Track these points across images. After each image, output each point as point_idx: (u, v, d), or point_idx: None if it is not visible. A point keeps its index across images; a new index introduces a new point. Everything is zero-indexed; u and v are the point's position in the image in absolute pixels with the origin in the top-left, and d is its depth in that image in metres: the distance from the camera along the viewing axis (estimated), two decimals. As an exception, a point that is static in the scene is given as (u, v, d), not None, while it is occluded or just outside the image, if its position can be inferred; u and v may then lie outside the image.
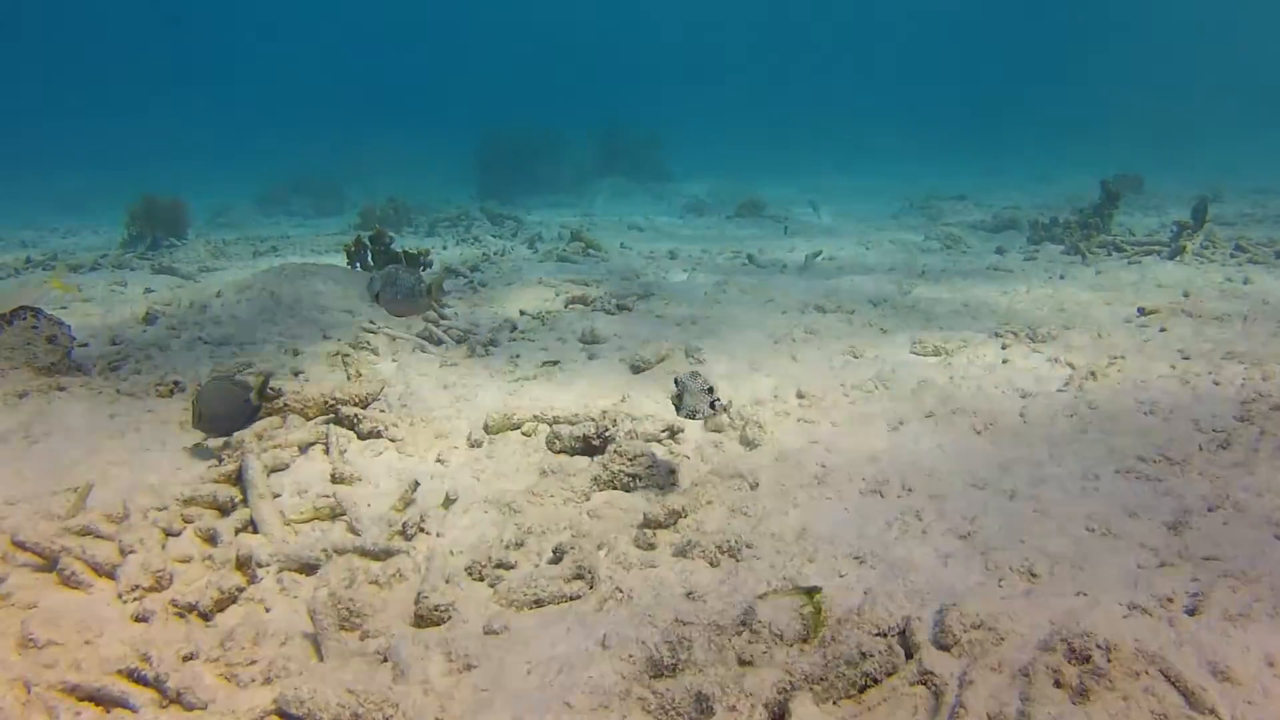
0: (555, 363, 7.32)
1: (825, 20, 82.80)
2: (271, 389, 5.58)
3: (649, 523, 4.39)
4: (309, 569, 4.07)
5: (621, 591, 3.84)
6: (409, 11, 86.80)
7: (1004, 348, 8.00)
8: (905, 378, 7.03)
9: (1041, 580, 3.97)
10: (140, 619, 3.69)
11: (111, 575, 3.95)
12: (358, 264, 10.49)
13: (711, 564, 4.04)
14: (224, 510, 4.57)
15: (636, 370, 7.21)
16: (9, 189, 28.97)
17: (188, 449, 5.41)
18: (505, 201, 23.60)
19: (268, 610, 3.83)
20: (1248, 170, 26.19)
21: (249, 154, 39.40)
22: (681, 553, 4.15)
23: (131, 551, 4.01)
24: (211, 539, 4.35)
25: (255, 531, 4.47)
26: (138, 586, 3.85)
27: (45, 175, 32.52)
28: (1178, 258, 12.87)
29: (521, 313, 9.33)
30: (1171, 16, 68.59)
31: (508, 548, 4.23)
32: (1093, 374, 6.99)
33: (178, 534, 4.35)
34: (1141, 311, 9.28)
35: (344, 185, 27.21)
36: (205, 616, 3.73)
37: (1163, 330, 8.53)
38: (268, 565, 4.03)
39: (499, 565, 4.08)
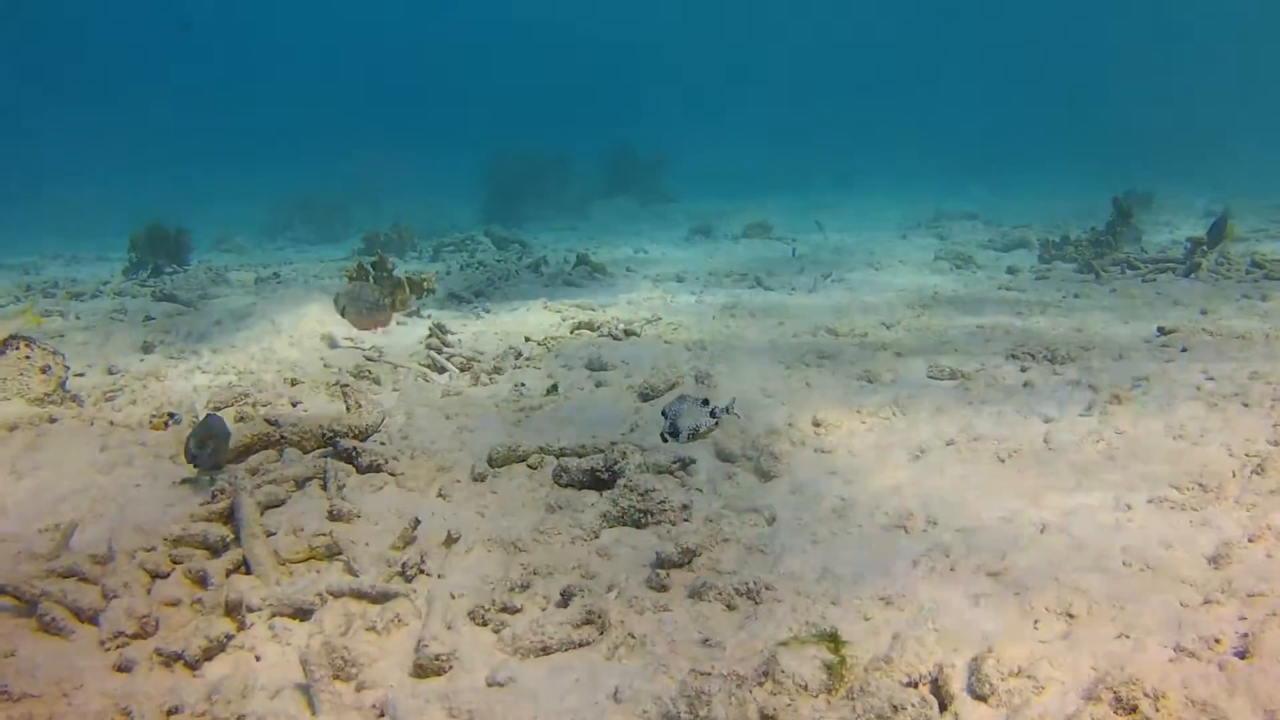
0: (557, 390, 7.12)
1: (826, 39, 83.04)
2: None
3: (662, 562, 4.16)
4: (303, 614, 3.85)
5: (634, 638, 3.62)
6: (418, 30, 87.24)
7: (1023, 370, 7.77)
8: (923, 403, 6.81)
9: (1080, 621, 3.73)
10: (122, 669, 3.47)
11: (94, 621, 3.74)
12: (360, 290, 10.32)
13: (729, 607, 3.81)
14: (215, 550, 4.36)
15: (646, 398, 7.00)
16: (12, 211, 28.90)
17: (180, 484, 5.21)
18: (510, 222, 23.50)
19: (258, 658, 3.61)
20: (1258, 185, 25.96)
21: (255, 171, 39.36)
22: (697, 594, 3.92)
23: (115, 596, 3.80)
24: (201, 581, 4.13)
25: (248, 572, 4.25)
26: (121, 633, 3.63)
27: (49, 192, 32.44)
28: (1193, 275, 12.66)
29: (527, 339, 9.13)
30: (1181, 31, 68.62)
31: (512, 590, 4.01)
32: (1116, 397, 6.76)
33: (166, 576, 4.14)
34: (1161, 331, 9.06)
35: (350, 205, 27.11)
36: (192, 666, 3.51)
37: (1184, 350, 8.30)
38: (259, 610, 3.81)
39: (503, 609, 3.86)
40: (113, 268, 17.43)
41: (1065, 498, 5.04)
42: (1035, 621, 3.73)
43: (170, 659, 3.50)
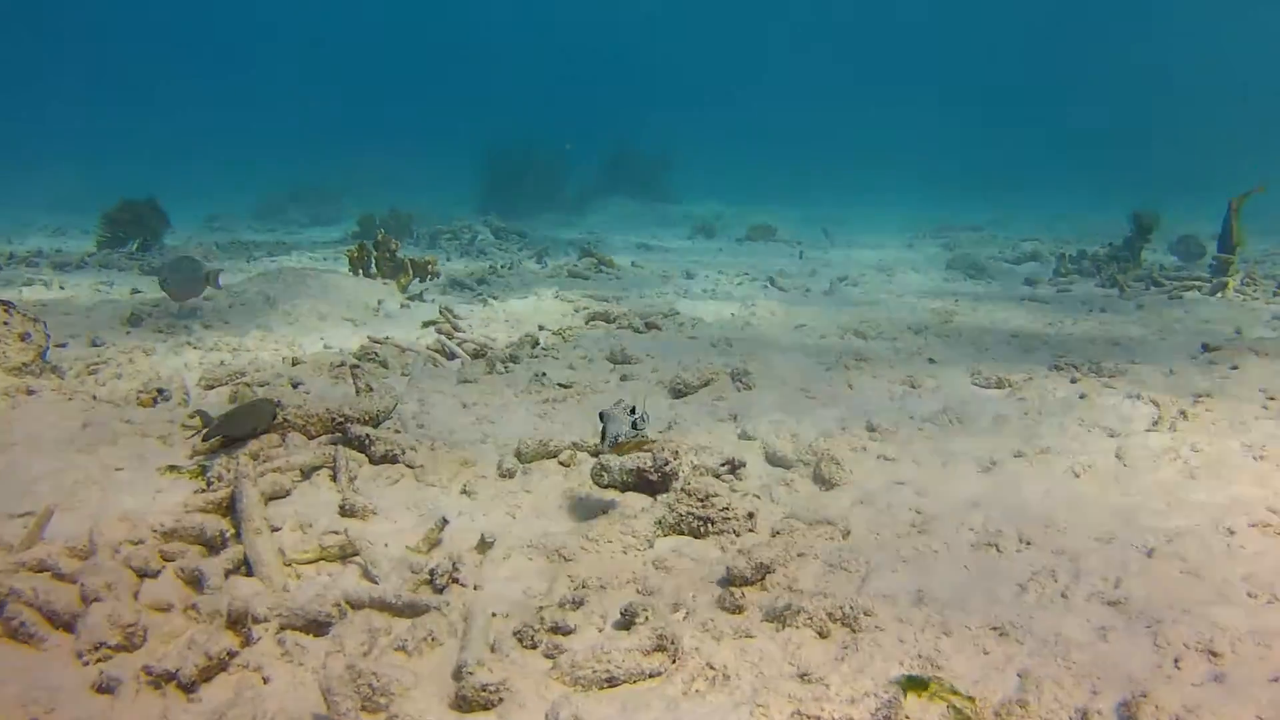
0: (574, 385, 6.55)
1: (831, 49, 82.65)
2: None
3: (733, 579, 3.61)
4: (318, 627, 3.26)
5: (714, 669, 3.06)
6: (414, 25, 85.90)
7: (1073, 382, 7.28)
8: (976, 411, 6.30)
9: (1225, 660, 3.20)
10: (104, 689, 2.88)
11: (70, 628, 3.14)
12: (360, 271, 9.71)
13: (821, 634, 3.26)
14: (212, 547, 3.77)
15: (678, 394, 6.46)
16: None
17: (170, 470, 4.60)
18: (507, 216, 22.87)
19: (266, 680, 3.02)
20: (1266, 209, 25.70)
21: (246, 165, 38.36)
22: (778, 618, 3.37)
23: (96, 599, 3.21)
24: (196, 582, 3.54)
25: (249, 573, 3.67)
26: (102, 644, 3.04)
27: (40, 175, 31.52)
28: (1219, 294, 12.25)
29: (541, 328, 8.55)
30: (1183, 54, 68.67)
31: (563, 607, 3.44)
32: (1183, 414, 6.27)
33: (155, 575, 3.54)
34: (1205, 348, 8.60)
35: (342, 199, 26.43)
36: (187, 689, 2.92)
37: (1235, 368, 7.84)
38: (266, 621, 3.22)
39: (555, 629, 3.29)
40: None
41: (1159, 519, 4.54)
42: (1176, 660, 3.20)
43: (161, 679, 2.91)
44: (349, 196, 26.95)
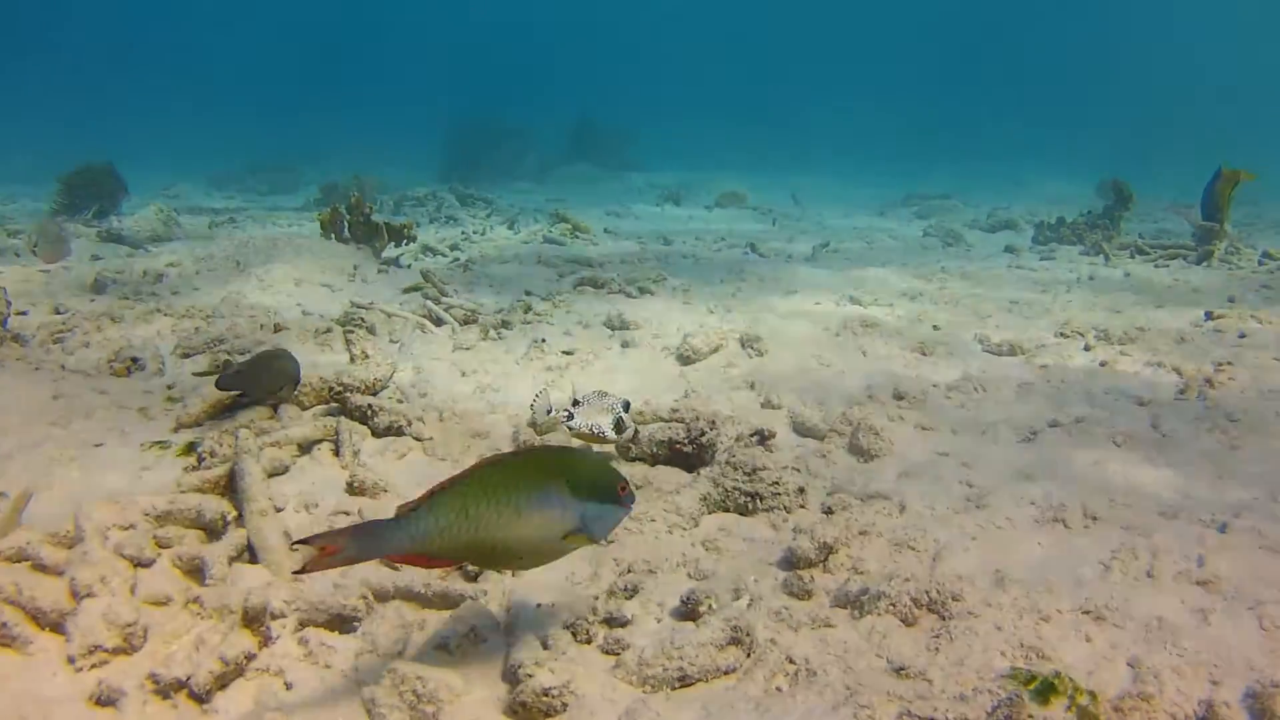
0: (576, 352, 6.17)
1: (786, 18, 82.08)
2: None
3: (796, 560, 3.28)
4: (343, 622, 2.88)
5: (794, 663, 2.73)
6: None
7: (1087, 349, 7.07)
8: (997, 378, 6.06)
9: (1337, 645, 2.96)
10: (104, 701, 2.48)
11: (59, 628, 2.73)
12: (333, 235, 9.20)
13: (905, 622, 2.95)
14: (212, 531, 3.35)
15: (686, 361, 6.11)
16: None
17: (153, 446, 4.16)
18: (470, 187, 22.25)
19: (289, 686, 2.64)
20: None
21: (200, 136, 36.91)
22: (854, 604, 3.05)
23: (89, 594, 2.79)
24: (197, 572, 3.14)
25: (254, 560, 3.27)
26: (97, 647, 2.63)
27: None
28: (1205, 263, 12.17)
29: (528, 293, 8.14)
30: (1139, 27, 69.13)
31: (615, 595, 3.09)
32: (1209, 381, 6.08)
33: (149, 564, 3.13)
34: (1209, 316, 8.44)
35: (300, 168, 25.57)
36: (200, 698, 2.53)
37: (1243, 336, 7.68)
38: (283, 616, 2.83)
39: (610, 620, 2.94)
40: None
41: (1215, 492, 4.31)
42: (1288, 646, 2.95)
43: (170, 687, 2.51)
44: (308, 165, 26.11)
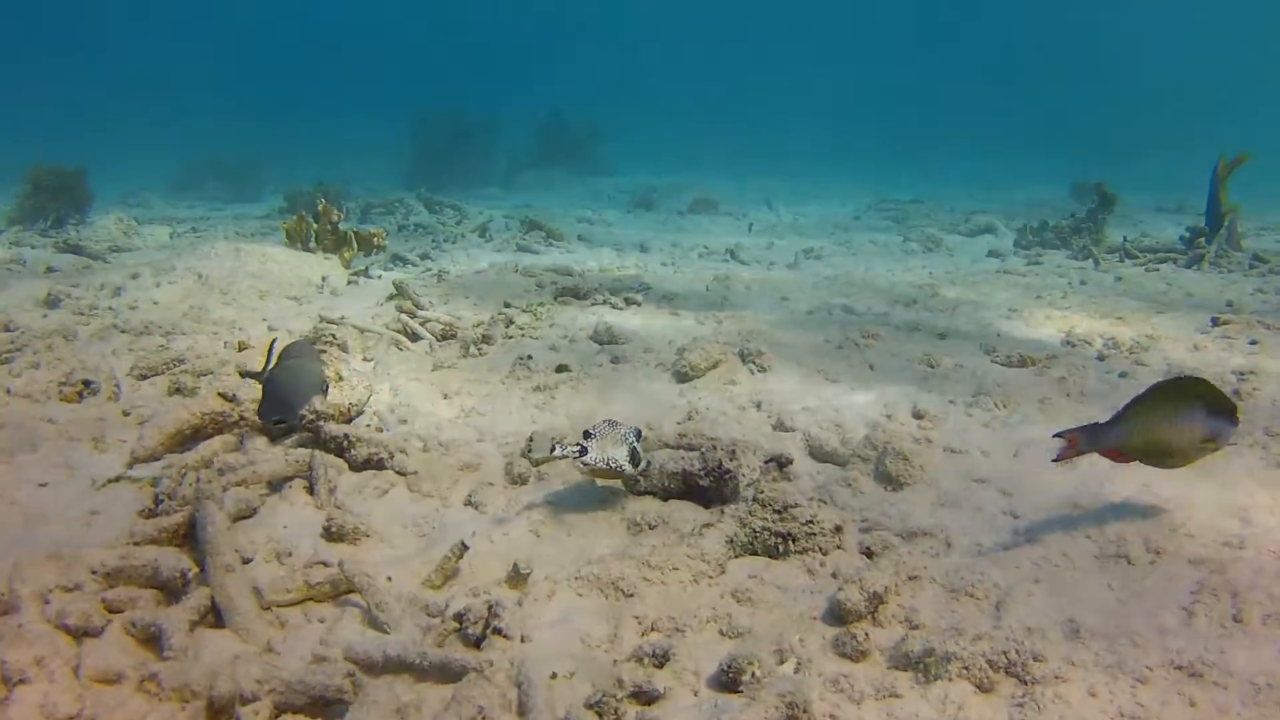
0: (567, 368, 5.73)
1: (753, 23, 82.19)
2: None
3: (845, 612, 2.87)
4: (325, 705, 2.43)
5: (862, 745, 2.32)
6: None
7: (1101, 359, 6.75)
8: (1017, 393, 5.69)
9: None
10: (31, 823, 2.02)
11: (-22, 723, 2.26)
12: (300, 244, 8.70)
13: (980, 688, 2.55)
14: (170, 590, 2.89)
15: (683, 378, 5.69)
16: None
17: (108, 484, 3.67)
18: (435, 189, 21.71)
19: (263, 789, 2.19)
20: (1196, 182, 25.96)
21: (159, 140, 36.05)
22: (919, 666, 2.64)
23: (22, 679, 2.32)
24: (153, 641, 2.67)
25: (219, 624, 2.81)
26: (27, 748, 2.17)
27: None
28: (1195, 267, 11.97)
29: (508, 304, 7.68)
30: (1108, 28, 69.61)
31: (642, 662, 2.66)
32: (1236, 393, 5.79)
33: (97, 633, 2.66)
34: (1215, 321, 8.17)
35: (261, 173, 24.91)
36: (154, 813, 2.07)
37: (1254, 344, 7.41)
38: (256, 700, 2.37)
39: (638, 695, 2.51)
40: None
41: (1276, 516, 3.96)
42: None
43: (117, 800, 2.06)
44: (270, 170, 25.45)
